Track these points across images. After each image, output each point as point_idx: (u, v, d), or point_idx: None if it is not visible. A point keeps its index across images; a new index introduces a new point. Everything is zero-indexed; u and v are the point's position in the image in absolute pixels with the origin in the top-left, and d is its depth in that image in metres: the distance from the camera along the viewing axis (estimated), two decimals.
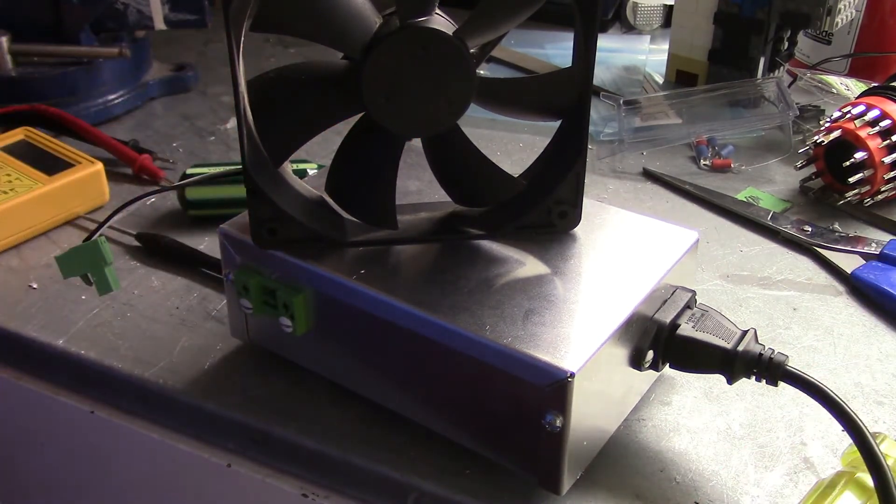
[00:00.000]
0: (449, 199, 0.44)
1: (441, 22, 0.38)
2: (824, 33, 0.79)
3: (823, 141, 0.61)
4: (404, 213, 0.43)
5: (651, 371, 0.41)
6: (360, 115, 0.41)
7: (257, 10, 0.37)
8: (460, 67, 0.38)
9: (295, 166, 0.58)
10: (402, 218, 0.43)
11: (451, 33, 0.38)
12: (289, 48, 0.85)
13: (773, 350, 0.39)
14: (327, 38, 0.39)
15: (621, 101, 0.68)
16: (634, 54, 0.85)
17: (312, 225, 0.42)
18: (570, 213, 0.43)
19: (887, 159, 0.59)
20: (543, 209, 0.43)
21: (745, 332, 0.40)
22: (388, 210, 0.42)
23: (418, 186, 0.47)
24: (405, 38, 0.37)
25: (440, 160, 0.43)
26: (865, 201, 0.61)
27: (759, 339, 0.40)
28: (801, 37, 0.77)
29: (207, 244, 0.56)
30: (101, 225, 0.47)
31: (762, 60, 0.72)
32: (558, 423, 0.36)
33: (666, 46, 0.80)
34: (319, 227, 0.42)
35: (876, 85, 0.65)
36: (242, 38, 0.38)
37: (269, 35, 0.85)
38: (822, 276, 0.55)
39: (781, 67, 0.74)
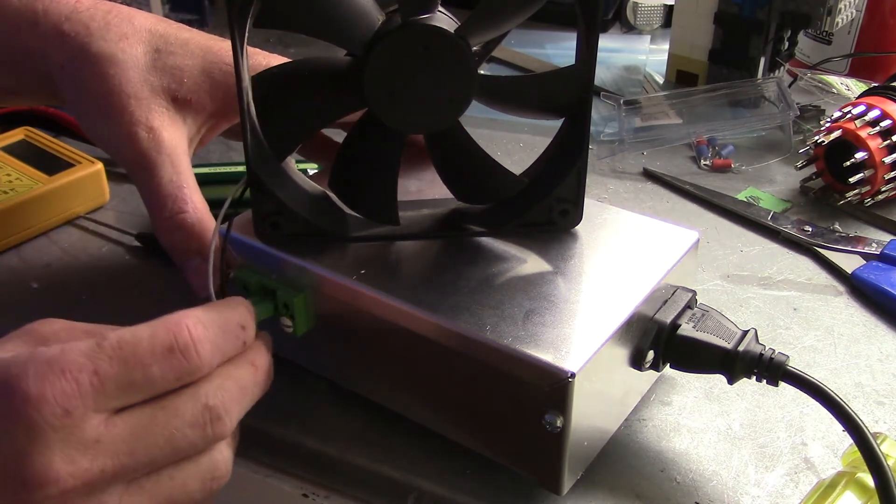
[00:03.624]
0: (451, 196, 0.44)
1: (443, 20, 0.38)
2: (824, 33, 0.79)
3: (824, 141, 0.61)
4: (407, 210, 0.43)
5: (651, 371, 0.41)
6: (363, 111, 0.41)
7: (261, 6, 0.37)
8: (462, 65, 0.38)
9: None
10: (404, 214, 0.43)
11: (452, 31, 0.38)
12: (289, 48, 0.85)
13: (774, 350, 0.39)
14: (329, 35, 0.39)
15: (621, 101, 0.68)
16: (634, 54, 0.85)
17: (315, 219, 0.42)
18: (571, 212, 0.43)
19: (888, 159, 0.58)
20: (545, 207, 0.43)
21: (745, 333, 0.40)
22: (390, 206, 0.42)
23: (418, 186, 0.47)
24: (407, 35, 0.37)
25: (442, 157, 0.43)
26: (866, 201, 0.61)
27: (760, 339, 0.40)
28: (801, 37, 0.77)
29: None
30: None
31: (762, 60, 0.72)
32: (559, 423, 0.36)
33: (666, 46, 0.80)
34: (322, 222, 0.42)
35: (876, 85, 0.65)
36: (246, 34, 0.38)
37: (269, 35, 0.85)
38: (823, 276, 0.55)
39: (782, 67, 0.74)
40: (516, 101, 0.43)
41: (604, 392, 0.39)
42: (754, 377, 0.39)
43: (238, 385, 0.35)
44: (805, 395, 0.38)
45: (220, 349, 0.34)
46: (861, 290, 0.54)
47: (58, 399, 0.30)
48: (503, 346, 0.36)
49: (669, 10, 0.89)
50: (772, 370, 0.39)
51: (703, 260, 0.56)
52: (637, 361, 0.40)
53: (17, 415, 0.30)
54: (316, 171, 0.59)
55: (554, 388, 0.35)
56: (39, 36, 0.47)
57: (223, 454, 0.35)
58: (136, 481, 0.32)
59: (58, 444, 0.30)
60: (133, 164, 0.45)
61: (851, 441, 0.36)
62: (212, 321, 0.34)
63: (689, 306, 0.42)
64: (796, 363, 0.39)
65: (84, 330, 0.36)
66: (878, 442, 0.36)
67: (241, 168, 0.59)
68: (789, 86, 0.75)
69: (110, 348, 0.31)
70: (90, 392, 0.30)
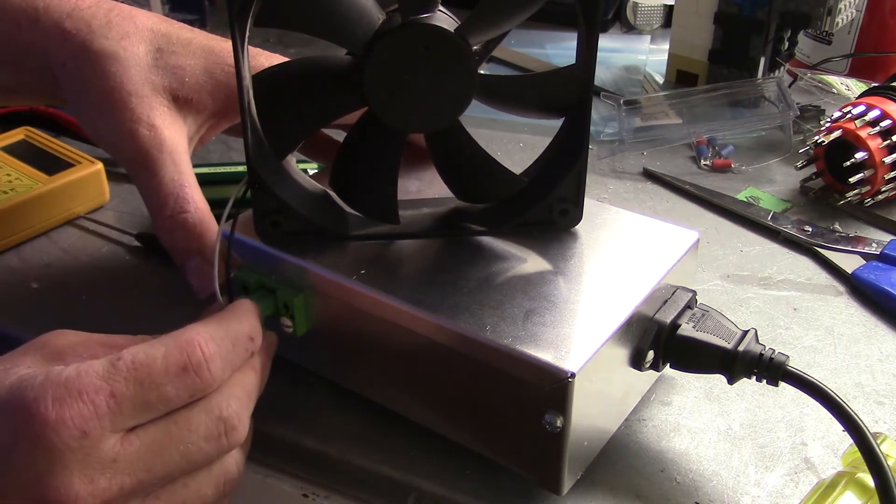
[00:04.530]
0: (451, 195, 0.44)
1: (443, 19, 0.38)
2: (824, 33, 0.79)
3: (824, 141, 0.61)
4: (407, 209, 0.43)
5: (651, 371, 0.41)
6: (364, 110, 0.41)
7: (261, 4, 0.37)
8: (462, 65, 0.38)
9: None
10: (404, 213, 0.43)
11: (453, 31, 0.38)
12: (290, 48, 0.85)
13: (774, 350, 0.39)
14: (330, 34, 0.39)
15: (621, 101, 0.68)
16: (634, 54, 0.85)
17: (315, 218, 0.42)
18: (571, 211, 0.43)
19: (888, 159, 0.58)
20: (545, 207, 0.43)
21: (745, 333, 0.40)
22: (390, 205, 0.42)
23: (418, 186, 0.47)
24: (407, 35, 0.37)
25: (442, 156, 0.43)
26: (866, 201, 0.61)
27: (760, 339, 0.40)
28: (801, 37, 0.77)
29: None
30: None
31: (762, 60, 0.72)
32: (559, 423, 0.36)
33: (666, 46, 0.80)
34: (322, 221, 0.42)
35: (876, 85, 0.65)
36: (247, 32, 0.38)
37: (269, 35, 0.85)
38: (823, 276, 0.55)
39: (782, 67, 0.74)
40: (516, 101, 0.43)
41: (604, 392, 0.39)
42: (754, 377, 0.39)
43: (245, 391, 0.36)
44: (805, 395, 0.38)
45: (230, 363, 0.35)
46: (861, 290, 0.54)
47: (75, 421, 0.30)
48: (503, 346, 0.36)
49: (669, 10, 0.89)
50: (772, 370, 0.39)
51: (703, 260, 0.56)
52: (637, 361, 0.40)
53: (37, 438, 0.30)
54: (316, 170, 0.59)
55: (554, 388, 0.35)
56: (40, 33, 0.47)
57: (234, 457, 0.36)
58: (153, 492, 0.33)
59: (76, 465, 0.30)
60: (134, 163, 0.45)
61: (851, 441, 0.36)
62: (223, 336, 0.35)
63: (689, 306, 0.42)
64: (796, 363, 0.39)
65: (99, 342, 0.36)
66: (878, 442, 0.36)
67: (242, 168, 0.59)
68: (789, 86, 0.75)
69: (125, 369, 0.32)
70: (107, 413, 0.31)
